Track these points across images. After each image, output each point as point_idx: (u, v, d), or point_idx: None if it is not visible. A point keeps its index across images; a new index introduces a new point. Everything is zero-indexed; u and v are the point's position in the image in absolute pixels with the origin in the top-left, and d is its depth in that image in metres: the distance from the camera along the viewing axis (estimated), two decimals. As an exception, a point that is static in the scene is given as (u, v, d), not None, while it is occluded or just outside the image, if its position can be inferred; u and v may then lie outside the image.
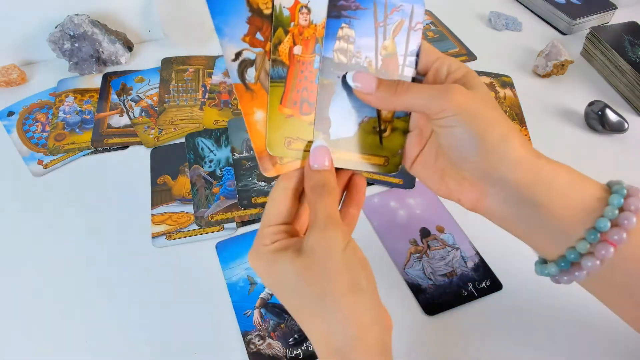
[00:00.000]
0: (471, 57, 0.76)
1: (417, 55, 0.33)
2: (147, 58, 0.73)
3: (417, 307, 0.47)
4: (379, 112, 0.34)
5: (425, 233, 0.52)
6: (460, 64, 0.33)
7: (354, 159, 0.34)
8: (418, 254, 0.50)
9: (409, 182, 0.57)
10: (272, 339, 0.44)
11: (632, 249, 0.29)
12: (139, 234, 0.52)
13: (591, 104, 0.64)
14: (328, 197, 0.30)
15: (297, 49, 0.32)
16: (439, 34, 0.80)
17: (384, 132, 0.34)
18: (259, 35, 0.31)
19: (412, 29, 0.33)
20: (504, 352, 0.44)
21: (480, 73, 0.72)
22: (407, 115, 0.34)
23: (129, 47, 0.72)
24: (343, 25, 0.32)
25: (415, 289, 0.48)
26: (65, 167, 0.58)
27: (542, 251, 0.33)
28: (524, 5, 0.88)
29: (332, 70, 0.32)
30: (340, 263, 0.28)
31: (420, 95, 0.30)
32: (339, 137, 0.33)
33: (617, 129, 0.63)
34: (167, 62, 0.72)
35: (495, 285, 0.48)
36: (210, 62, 0.72)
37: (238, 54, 0.31)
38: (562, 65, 0.71)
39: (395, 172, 0.35)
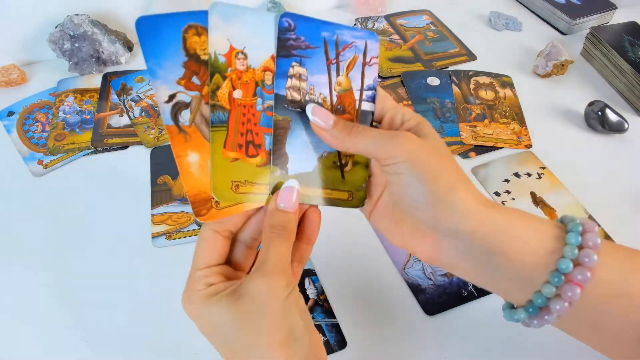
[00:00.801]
0: (471, 57, 0.76)
1: (375, 89, 0.33)
2: (147, 58, 0.73)
3: (417, 307, 0.47)
4: None
5: (425, 233, 0.52)
6: (413, 114, 0.33)
7: (316, 194, 0.33)
8: (418, 254, 0.50)
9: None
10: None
11: (596, 285, 0.29)
12: (139, 234, 0.51)
13: (591, 104, 0.64)
14: (284, 242, 0.30)
15: (237, 93, 0.31)
16: (439, 34, 0.80)
17: (345, 166, 0.34)
18: (195, 79, 0.30)
19: (367, 64, 0.33)
20: (504, 352, 0.44)
21: (480, 73, 0.72)
22: None
23: (129, 47, 0.72)
24: (294, 64, 0.31)
25: (415, 289, 0.48)
26: (65, 167, 0.58)
27: (508, 298, 0.32)
28: (524, 5, 0.89)
29: (286, 106, 0.32)
30: (279, 313, 0.28)
31: (371, 139, 0.30)
32: (298, 172, 0.33)
33: (617, 129, 0.63)
34: (167, 62, 0.72)
35: (495, 285, 0.48)
36: (210, 62, 0.72)
37: (172, 96, 0.29)
38: (562, 65, 0.71)
39: (361, 207, 0.35)
